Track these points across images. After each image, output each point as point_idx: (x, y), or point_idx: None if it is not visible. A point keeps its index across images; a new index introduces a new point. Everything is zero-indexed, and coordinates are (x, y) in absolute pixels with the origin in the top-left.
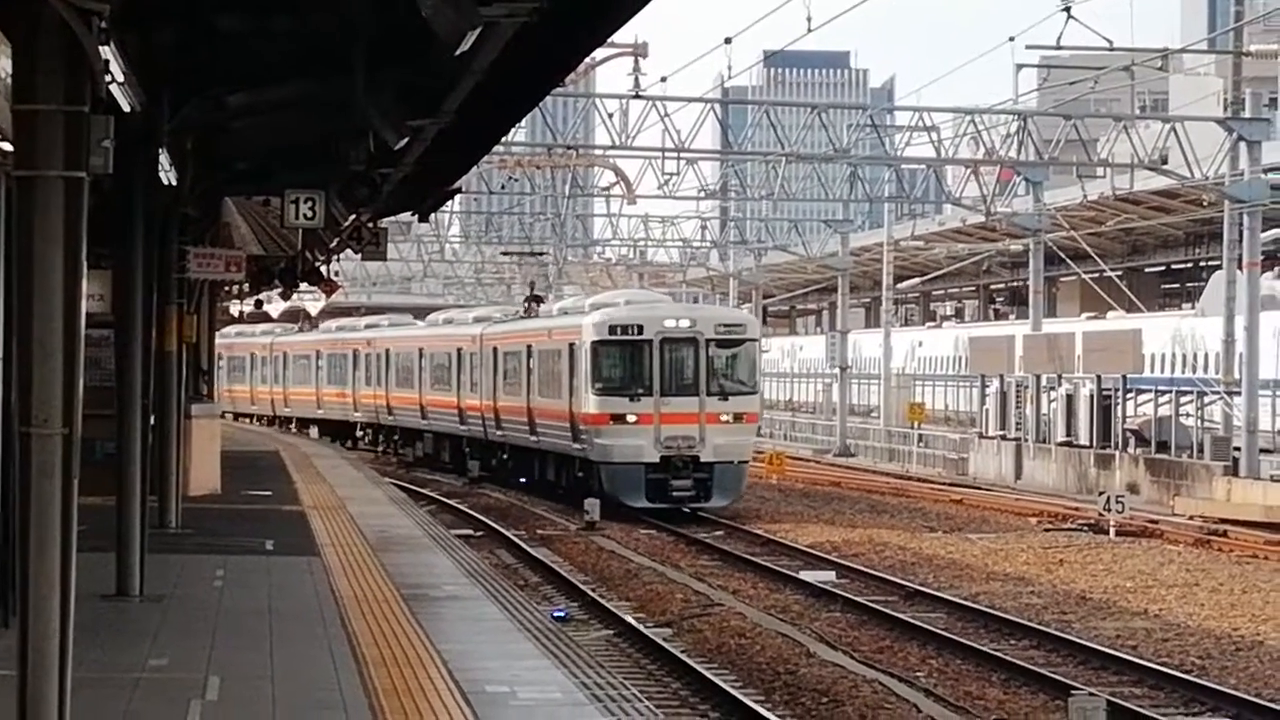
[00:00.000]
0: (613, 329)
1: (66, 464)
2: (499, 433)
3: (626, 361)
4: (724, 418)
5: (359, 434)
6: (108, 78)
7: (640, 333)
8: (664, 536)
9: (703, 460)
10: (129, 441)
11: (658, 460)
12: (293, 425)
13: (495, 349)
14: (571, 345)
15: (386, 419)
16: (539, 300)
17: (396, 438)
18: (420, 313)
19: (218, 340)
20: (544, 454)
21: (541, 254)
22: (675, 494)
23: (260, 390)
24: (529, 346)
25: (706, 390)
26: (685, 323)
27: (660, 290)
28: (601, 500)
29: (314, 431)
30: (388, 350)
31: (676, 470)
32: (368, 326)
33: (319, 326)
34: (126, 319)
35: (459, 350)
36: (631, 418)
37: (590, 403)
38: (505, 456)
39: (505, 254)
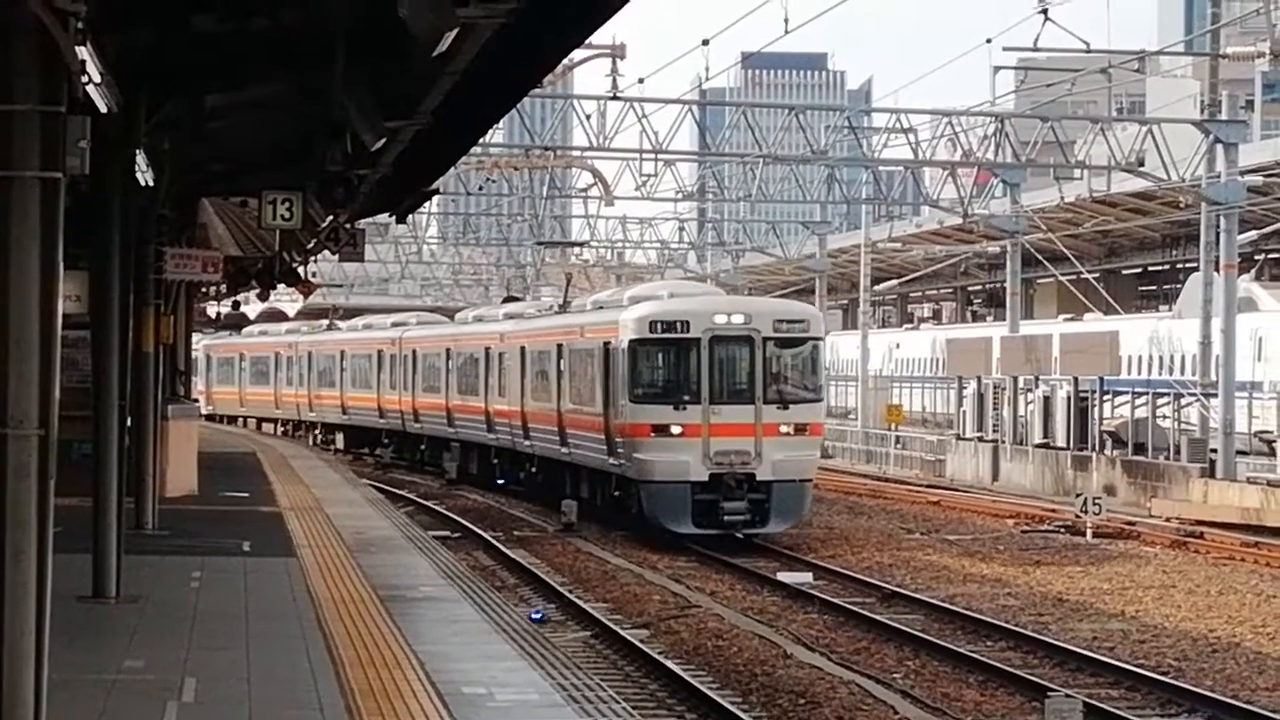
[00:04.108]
0: (654, 325)
1: (43, 465)
2: (527, 443)
3: (670, 364)
4: (784, 429)
5: (385, 442)
6: (84, 78)
7: (686, 330)
8: (641, 538)
9: (759, 479)
10: (105, 442)
11: (706, 479)
12: (318, 432)
13: (523, 348)
14: (607, 344)
15: (413, 427)
16: (516, 300)
17: (424, 448)
18: (448, 313)
19: (239, 340)
20: (576, 469)
21: (582, 244)
22: (727, 518)
23: (285, 394)
24: (559, 345)
25: (764, 398)
26: (739, 318)
27: None
28: (642, 524)
29: (340, 440)
30: (414, 351)
31: (729, 490)
32: (394, 325)
33: (346, 324)
34: (103, 320)
35: (486, 349)
36: (676, 429)
37: (628, 411)
38: (534, 470)
39: (540, 244)
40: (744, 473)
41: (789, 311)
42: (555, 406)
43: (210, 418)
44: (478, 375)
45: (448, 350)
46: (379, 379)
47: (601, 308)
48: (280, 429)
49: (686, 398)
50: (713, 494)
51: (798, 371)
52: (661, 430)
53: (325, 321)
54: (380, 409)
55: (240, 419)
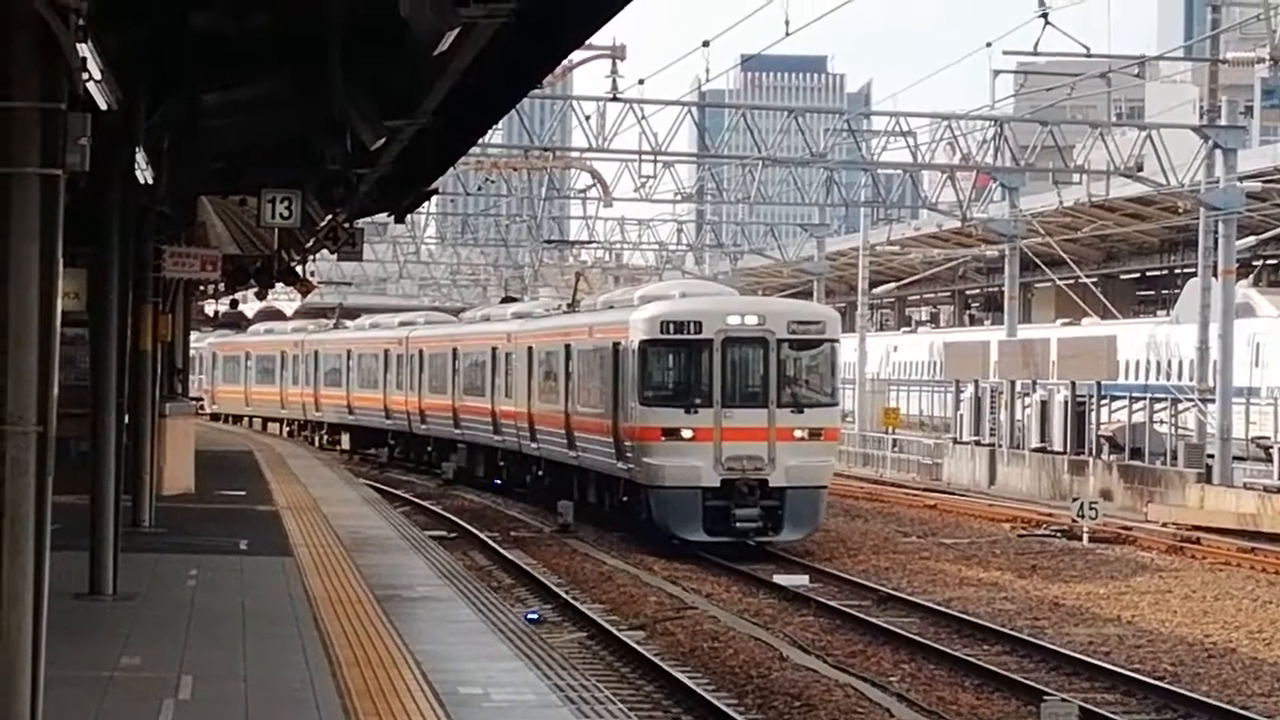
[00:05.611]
0: (665, 326)
1: (41, 462)
2: (534, 446)
3: (682, 365)
4: (798, 434)
5: (390, 443)
6: (85, 75)
7: (699, 331)
8: (637, 539)
9: (772, 485)
10: (103, 440)
11: (718, 484)
12: (323, 433)
13: (530, 349)
14: (616, 345)
15: (419, 428)
16: (514, 300)
17: (430, 449)
18: (453, 313)
19: (245, 339)
20: (584, 473)
21: (587, 243)
22: (739, 525)
23: (291, 393)
24: (567, 346)
25: (778, 401)
26: (753, 319)
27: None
28: (651, 531)
29: (345, 441)
30: (421, 350)
31: (741, 497)
32: (401, 324)
33: (353, 323)
34: (102, 318)
35: (493, 349)
36: (687, 433)
37: (638, 414)
38: (541, 473)
39: (548, 243)
40: (757, 478)
41: (804, 312)
42: (563, 408)
43: (215, 417)
44: (484, 376)
45: (454, 350)
46: (385, 379)
47: (611, 307)
48: (285, 429)
49: (698, 401)
50: (724, 500)
51: (813, 374)
52: (672, 434)
53: (331, 320)
54: (386, 409)
55: (246, 418)
